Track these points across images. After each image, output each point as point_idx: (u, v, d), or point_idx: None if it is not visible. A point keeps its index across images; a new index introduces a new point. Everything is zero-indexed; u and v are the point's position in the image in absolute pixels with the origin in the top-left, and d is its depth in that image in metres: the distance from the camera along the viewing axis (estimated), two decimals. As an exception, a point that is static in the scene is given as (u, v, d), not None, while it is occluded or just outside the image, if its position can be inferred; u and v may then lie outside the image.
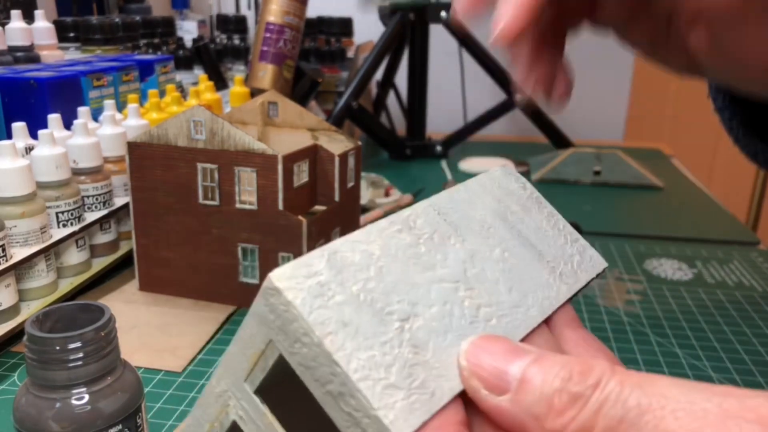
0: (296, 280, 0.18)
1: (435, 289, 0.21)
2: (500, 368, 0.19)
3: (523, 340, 0.22)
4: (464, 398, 0.20)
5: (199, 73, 0.99)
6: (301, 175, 0.53)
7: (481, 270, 0.23)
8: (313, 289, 0.18)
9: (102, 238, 0.58)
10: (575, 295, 0.25)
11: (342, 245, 0.20)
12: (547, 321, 0.24)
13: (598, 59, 1.29)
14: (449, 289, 0.21)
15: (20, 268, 0.49)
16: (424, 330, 0.20)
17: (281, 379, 0.21)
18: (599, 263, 0.27)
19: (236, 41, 1.16)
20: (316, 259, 0.19)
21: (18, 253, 0.48)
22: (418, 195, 0.85)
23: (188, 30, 1.32)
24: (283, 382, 0.22)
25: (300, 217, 0.51)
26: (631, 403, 0.17)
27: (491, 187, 0.27)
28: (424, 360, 0.19)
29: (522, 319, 0.23)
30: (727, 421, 0.16)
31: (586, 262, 0.27)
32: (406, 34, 1.08)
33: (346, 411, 0.18)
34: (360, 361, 0.18)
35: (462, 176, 0.99)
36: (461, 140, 1.12)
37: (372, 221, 0.22)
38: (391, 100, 1.22)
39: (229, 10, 1.49)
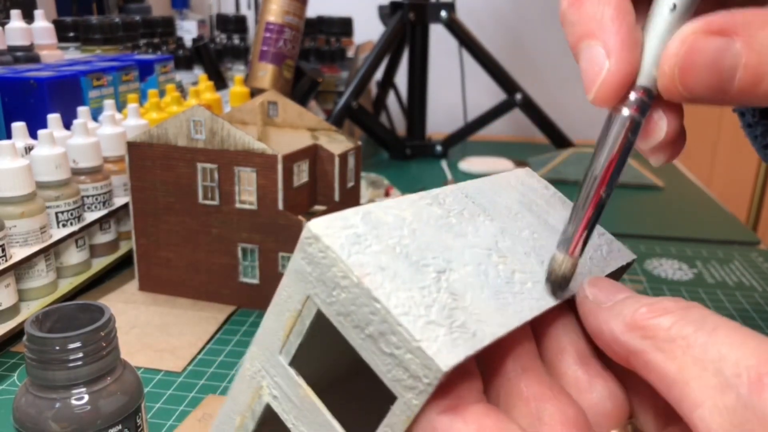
0: (333, 229, 0.18)
1: (468, 253, 0.21)
2: (614, 289, 0.21)
3: None
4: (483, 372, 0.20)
5: (198, 72, 0.99)
6: (301, 175, 0.53)
7: (512, 244, 0.22)
8: (350, 238, 0.18)
9: (102, 238, 0.58)
10: None
11: (375, 208, 0.20)
12: None
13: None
14: (482, 254, 0.21)
15: (20, 268, 0.49)
16: (461, 283, 0.19)
17: (317, 343, 0.20)
18: (627, 254, 0.27)
19: (236, 41, 1.16)
20: (351, 214, 0.19)
21: (18, 253, 0.48)
22: (418, 195, 0.85)
23: (188, 30, 1.32)
24: (319, 349, 0.21)
25: (300, 217, 0.51)
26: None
27: (515, 183, 0.27)
28: (463, 306, 0.19)
29: None
30: None
31: (614, 251, 0.26)
32: (406, 34, 1.08)
33: (387, 352, 0.17)
34: (399, 299, 0.18)
35: (462, 176, 0.99)
36: (461, 140, 1.12)
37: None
38: (391, 100, 1.22)
39: (229, 9, 1.49)
